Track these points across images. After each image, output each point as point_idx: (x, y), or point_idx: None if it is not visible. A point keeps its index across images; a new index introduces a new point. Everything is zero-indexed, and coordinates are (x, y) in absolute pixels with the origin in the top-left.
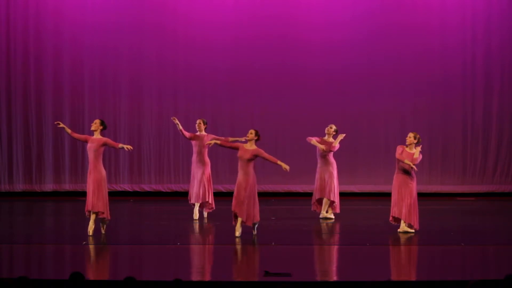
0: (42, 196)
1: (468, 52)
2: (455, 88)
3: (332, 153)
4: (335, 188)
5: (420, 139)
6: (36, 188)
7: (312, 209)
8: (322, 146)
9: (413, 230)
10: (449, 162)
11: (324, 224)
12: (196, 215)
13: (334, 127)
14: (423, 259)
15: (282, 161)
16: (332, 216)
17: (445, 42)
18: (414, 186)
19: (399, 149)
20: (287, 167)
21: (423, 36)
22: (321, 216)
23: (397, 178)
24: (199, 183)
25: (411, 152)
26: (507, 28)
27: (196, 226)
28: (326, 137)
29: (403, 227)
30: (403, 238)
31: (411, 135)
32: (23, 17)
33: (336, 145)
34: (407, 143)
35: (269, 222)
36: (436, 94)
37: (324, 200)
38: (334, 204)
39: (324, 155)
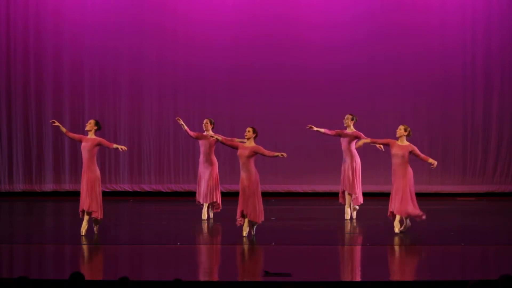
0: (42, 196)
1: (468, 52)
2: (455, 88)
3: (353, 144)
4: (356, 180)
5: (411, 132)
6: (36, 188)
7: (340, 201)
8: (379, 145)
9: (398, 229)
10: (449, 162)
11: (326, 224)
12: (204, 215)
13: (350, 116)
14: (423, 259)
15: (282, 160)
16: (347, 217)
17: (445, 42)
18: (407, 180)
19: (389, 140)
20: (285, 154)
21: (423, 36)
22: (346, 216)
23: (393, 173)
24: (207, 183)
25: (403, 144)
26: (507, 28)
27: (199, 226)
28: (347, 130)
29: (396, 223)
30: (403, 238)
31: (401, 127)
32: (23, 17)
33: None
34: (397, 135)
35: (269, 222)
36: (436, 94)
37: (346, 195)
38: (354, 196)
39: (346, 147)
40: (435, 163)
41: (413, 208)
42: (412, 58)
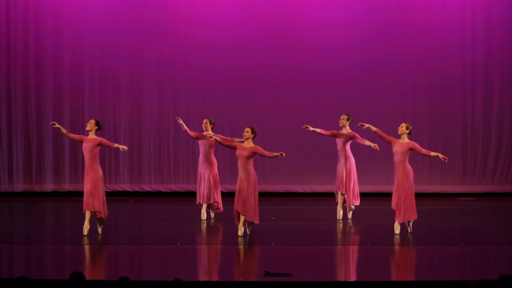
0: (42, 196)
1: (468, 52)
2: (455, 88)
3: (348, 145)
4: (348, 180)
5: (413, 131)
6: (36, 188)
7: (336, 201)
8: (374, 144)
9: (399, 230)
10: (449, 162)
11: (325, 224)
12: (204, 215)
13: (345, 117)
14: (423, 259)
15: (282, 160)
16: (339, 217)
17: (445, 42)
18: (405, 179)
19: (392, 138)
20: (283, 153)
21: (423, 36)
22: (338, 216)
23: (394, 171)
24: (207, 184)
25: (403, 142)
26: (507, 28)
27: (198, 226)
28: (342, 130)
29: (396, 225)
30: (403, 238)
31: (403, 125)
32: (23, 17)
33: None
34: (398, 133)
35: (269, 222)
36: (436, 94)
37: (339, 195)
38: (345, 196)
39: (341, 148)
40: (439, 155)
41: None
42: (412, 58)
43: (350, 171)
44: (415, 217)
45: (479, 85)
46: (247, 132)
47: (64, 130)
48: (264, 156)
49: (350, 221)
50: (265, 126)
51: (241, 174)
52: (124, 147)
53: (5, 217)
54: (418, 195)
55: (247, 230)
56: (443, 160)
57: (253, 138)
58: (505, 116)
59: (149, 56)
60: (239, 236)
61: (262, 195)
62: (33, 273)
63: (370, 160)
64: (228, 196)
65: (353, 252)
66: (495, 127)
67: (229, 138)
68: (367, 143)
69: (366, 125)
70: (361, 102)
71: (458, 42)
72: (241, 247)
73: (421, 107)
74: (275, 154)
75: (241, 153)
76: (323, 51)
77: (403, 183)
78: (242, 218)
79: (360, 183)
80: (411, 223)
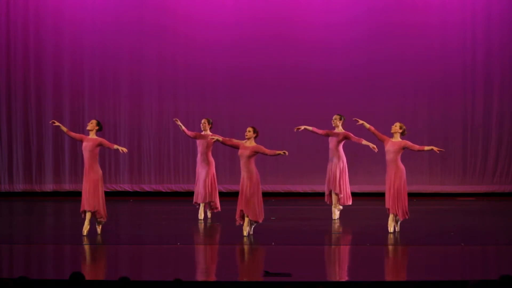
0: (42, 196)
1: (468, 52)
2: (455, 88)
3: (341, 144)
4: (342, 180)
5: (406, 131)
6: (36, 188)
7: (325, 201)
8: (373, 145)
9: (392, 228)
10: (449, 162)
11: (325, 224)
12: (201, 215)
13: (338, 117)
14: (422, 259)
15: (282, 160)
16: (334, 217)
17: (445, 42)
18: (398, 178)
19: (385, 137)
20: (286, 152)
21: (423, 36)
22: (333, 216)
23: (386, 170)
24: (204, 183)
25: (395, 141)
26: (507, 28)
27: (198, 226)
28: (336, 130)
29: (390, 223)
30: (402, 238)
31: (397, 124)
32: (23, 17)
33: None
34: (392, 131)
35: (269, 222)
36: (436, 94)
37: (333, 194)
38: (340, 196)
39: (334, 147)
40: (434, 148)
41: (400, 212)
42: (412, 58)
43: (343, 171)
44: (407, 216)
45: (479, 85)
46: (249, 131)
47: (64, 128)
48: (266, 154)
49: (338, 220)
50: (265, 126)
51: (243, 173)
52: (124, 149)
53: (5, 217)
54: (418, 195)
55: (250, 229)
56: (438, 152)
57: (255, 137)
58: (505, 116)
59: (149, 56)
60: (245, 236)
61: (263, 195)
62: (33, 273)
63: (368, 160)
64: (228, 196)
65: (353, 252)
66: (495, 127)
67: (227, 138)
68: (364, 142)
69: (360, 122)
70: (361, 102)
71: (458, 42)
72: (240, 247)
73: (421, 107)
74: (278, 152)
75: (243, 152)
76: (323, 51)
77: (395, 182)
78: (246, 218)
79: (358, 183)
80: (399, 222)
